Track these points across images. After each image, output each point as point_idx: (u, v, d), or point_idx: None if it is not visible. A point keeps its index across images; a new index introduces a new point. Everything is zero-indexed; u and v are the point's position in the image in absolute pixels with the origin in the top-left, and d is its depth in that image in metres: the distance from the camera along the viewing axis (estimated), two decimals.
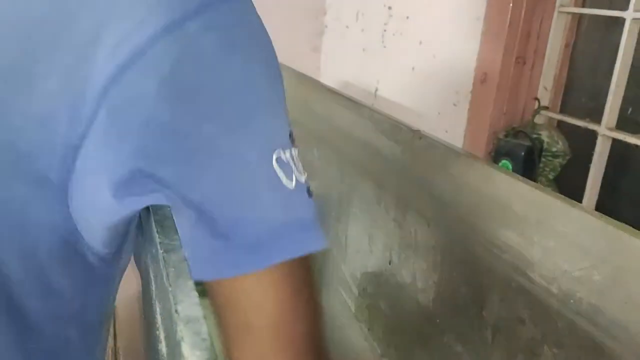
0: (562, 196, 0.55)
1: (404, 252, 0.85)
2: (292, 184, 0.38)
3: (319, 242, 0.38)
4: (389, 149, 0.86)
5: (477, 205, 0.67)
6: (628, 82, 0.92)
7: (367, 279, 0.98)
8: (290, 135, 0.39)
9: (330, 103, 1.11)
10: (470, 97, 1.17)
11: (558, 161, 1.02)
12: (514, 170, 1.02)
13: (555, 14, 1.01)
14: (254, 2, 0.39)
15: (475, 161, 0.68)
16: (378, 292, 0.94)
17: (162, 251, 0.37)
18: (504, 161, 1.03)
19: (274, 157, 0.37)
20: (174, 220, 0.42)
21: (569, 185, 1.03)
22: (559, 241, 0.55)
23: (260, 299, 0.37)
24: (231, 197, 0.36)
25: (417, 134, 0.78)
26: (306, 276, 0.39)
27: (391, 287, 0.89)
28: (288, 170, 0.38)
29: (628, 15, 0.87)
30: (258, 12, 0.39)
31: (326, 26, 1.83)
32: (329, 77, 1.82)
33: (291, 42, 1.79)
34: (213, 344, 0.27)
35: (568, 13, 1.01)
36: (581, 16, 1.02)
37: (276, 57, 0.39)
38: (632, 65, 0.91)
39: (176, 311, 0.30)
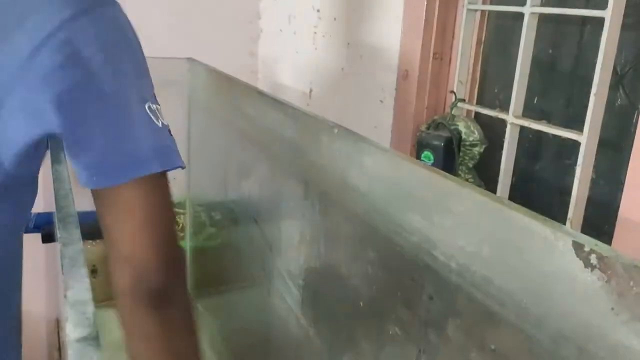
0: (455, 177, 0.59)
1: (330, 243, 0.88)
2: (159, 124, 0.57)
3: (178, 162, 0.59)
4: (312, 146, 0.90)
5: (388, 191, 0.71)
6: (533, 73, 0.98)
7: (302, 273, 1.01)
8: (154, 95, 0.59)
9: (260, 105, 1.14)
10: (394, 94, 1.22)
11: (476, 150, 1.08)
12: (435, 160, 1.07)
13: (465, 11, 1.07)
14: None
15: (385, 152, 0.72)
16: (313, 284, 0.97)
17: (60, 244, 0.39)
18: (426, 152, 1.08)
19: (146, 105, 0.56)
20: (76, 216, 0.44)
21: (488, 172, 1.09)
22: (454, 220, 0.59)
23: (135, 199, 0.55)
24: (116, 127, 0.55)
25: (334, 129, 0.82)
26: (168, 187, 0.59)
27: (324, 278, 0.93)
28: (155, 115, 0.57)
29: (526, 10, 0.93)
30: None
31: (261, 30, 1.85)
32: (266, 80, 1.85)
33: (228, 47, 1.81)
34: (95, 322, 0.30)
35: (475, 10, 1.07)
36: (489, 13, 1.08)
37: (139, 42, 0.59)
38: (535, 57, 0.97)
39: (65, 296, 0.32)
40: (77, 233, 0.41)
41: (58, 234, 0.41)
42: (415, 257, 0.66)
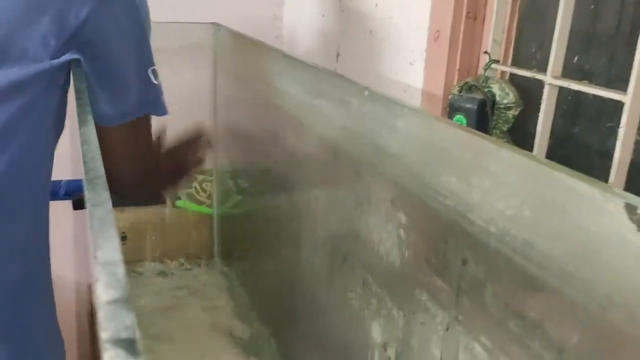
0: (492, 137, 0.57)
1: (361, 208, 0.86)
2: (157, 82, 0.73)
3: (165, 111, 0.75)
4: (341, 109, 0.87)
5: (422, 153, 0.69)
6: (573, 30, 0.93)
7: (332, 239, 1.00)
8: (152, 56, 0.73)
9: (287, 68, 1.11)
10: (425, 56, 1.18)
11: (511, 113, 1.04)
12: (468, 124, 1.04)
13: None
14: None
15: (418, 113, 0.69)
16: (343, 250, 0.96)
17: (90, 205, 0.38)
18: (458, 116, 1.04)
19: (150, 68, 0.72)
20: (104, 177, 0.43)
21: (523, 137, 1.05)
22: (493, 182, 0.57)
23: (130, 135, 0.74)
24: (124, 81, 0.71)
25: (364, 91, 0.79)
26: (150, 127, 0.78)
27: (354, 244, 0.91)
28: (155, 76, 0.73)
29: None
30: None
31: None
32: (291, 45, 1.81)
33: (253, 12, 1.78)
34: (127, 284, 0.28)
35: None
36: None
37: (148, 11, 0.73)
38: (576, 12, 0.92)
39: (95, 257, 0.31)
40: (105, 194, 0.40)
41: (87, 195, 0.40)
42: (451, 221, 0.64)
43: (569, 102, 0.99)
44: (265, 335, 1.35)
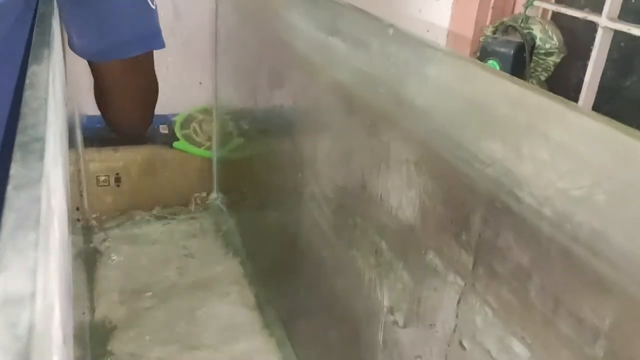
0: (558, 97, 0.44)
1: (377, 166, 0.75)
2: (153, 6, 0.64)
3: (161, 44, 0.66)
4: (359, 50, 0.74)
5: (456, 111, 0.56)
6: None
7: (338, 195, 0.89)
8: None
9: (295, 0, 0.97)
10: None
11: (552, 60, 0.90)
12: (502, 70, 0.90)
13: None
14: None
15: (452, 57, 0.57)
16: (350, 209, 0.85)
17: (10, 185, 0.27)
18: (490, 61, 0.91)
19: None
20: (42, 147, 0.31)
21: (563, 87, 0.92)
22: (554, 153, 0.45)
23: (129, 72, 0.66)
24: (120, 14, 0.62)
25: (388, 29, 0.66)
26: (152, 61, 0.69)
27: (365, 204, 0.80)
28: None
29: None
30: None
31: None
32: None
33: None
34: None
35: None
36: None
37: None
38: None
39: None
40: (38, 171, 0.28)
41: (11, 169, 0.28)
42: (491, 196, 0.52)
43: (621, 50, 0.86)
44: (265, 295, 1.27)
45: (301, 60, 0.97)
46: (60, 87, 0.56)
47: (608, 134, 0.40)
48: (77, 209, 1.55)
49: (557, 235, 0.46)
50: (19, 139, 0.31)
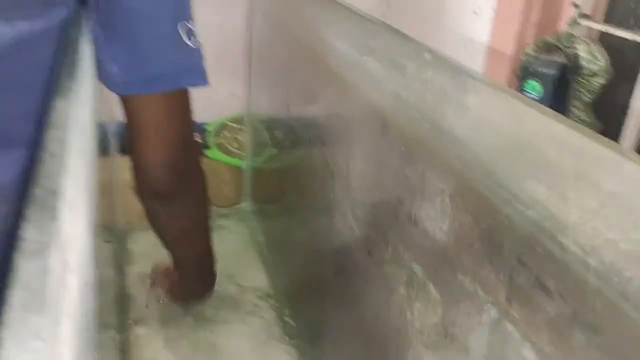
0: (612, 142, 0.41)
1: (410, 192, 0.72)
2: (191, 43, 0.60)
3: (205, 81, 0.63)
4: (394, 72, 0.72)
5: (498, 145, 0.53)
6: None
7: (372, 217, 0.87)
8: (191, 14, 0.60)
9: (329, 15, 0.95)
10: (494, 4, 1.00)
11: (597, 81, 0.86)
12: (544, 93, 0.87)
13: None
14: None
15: (494, 89, 0.53)
16: (384, 230, 0.82)
17: (20, 252, 0.25)
18: (531, 82, 0.87)
19: (179, 23, 0.58)
20: (55, 202, 0.30)
21: (608, 111, 0.88)
22: (603, 201, 0.41)
23: (161, 111, 0.62)
24: (149, 44, 0.58)
25: (425, 53, 0.63)
26: (189, 102, 0.65)
27: (398, 226, 0.77)
28: (190, 34, 0.60)
29: None
30: None
31: None
32: None
33: None
34: None
35: None
36: None
37: None
38: None
39: None
40: (48, 234, 0.26)
41: (22, 228, 0.27)
42: (531, 239, 0.49)
43: None
44: (289, 310, 1.25)
45: (334, 77, 0.95)
46: (90, 112, 0.55)
47: None
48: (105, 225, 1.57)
49: (603, 289, 0.42)
50: (34, 191, 0.30)
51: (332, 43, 0.93)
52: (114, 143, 1.51)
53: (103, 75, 0.61)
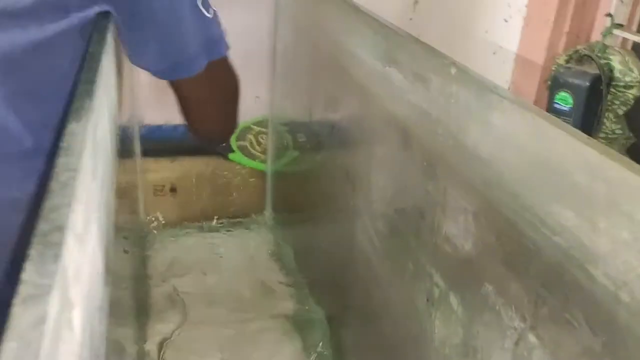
0: None
1: (432, 209, 0.70)
2: (209, 14, 0.62)
3: (223, 50, 0.66)
4: (417, 85, 0.70)
5: (525, 168, 0.51)
6: None
7: (393, 229, 0.85)
8: None
9: (352, 22, 0.93)
10: (525, 12, 0.97)
11: (632, 93, 0.83)
12: (575, 104, 0.84)
13: None
14: None
15: (521, 108, 0.51)
16: (405, 243, 0.80)
17: (19, 295, 0.25)
18: (562, 93, 0.84)
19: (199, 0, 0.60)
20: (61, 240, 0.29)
21: None
22: (637, 233, 0.39)
23: (201, 81, 0.64)
24: (177, 32, 0.60)
25: (451, 68, 0.61)
26: (226, 63, 0.68)
27: (419, 239, 0.75)
28: (207, 5, 0.61)
29: None
30: None
31: None
32: None
33: None
34: None
35: None
36: None
37: None
38: None
39: None
40: (51, 276, 0.26)
41: (23, 269, 0.26)
42: (558, 267, 0.47)
43: None
44: (318, 316, 1.24)
45: (356, 86, 0.93)
46: (108, 125, 0.55)
47: None
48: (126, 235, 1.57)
49: (635, 325, 0.40)
50: (40, 225, 0.29)
51: (354, 52, 0.91)
52: (137, 146, 1.52)
53: (136, 63, 0.63)
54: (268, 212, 1.66)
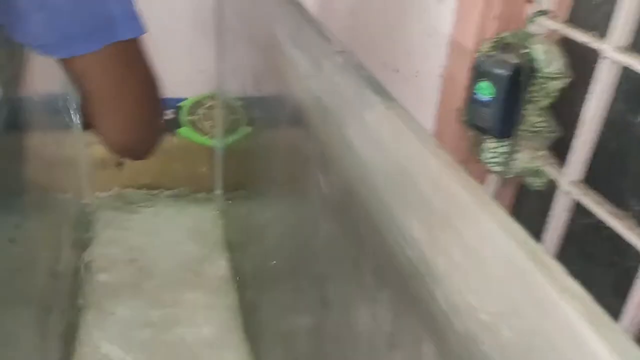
0: (477, 185, 0.35)
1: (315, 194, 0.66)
2: None
3: (141, 30, 0.51)
4: (314, 71, 0.65)
5: (389, 171, 0.47)
6: None
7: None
8: None
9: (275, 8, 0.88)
10: None
11: (554, 85, 0.79)
12: (496, 94, 0.80)
13: None
14: None
15: (390, 108, 0.47)
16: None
17: None
18: (483, 83, 0.80)
19: None
20: None
21: (569, 116, 0.80)
22: (465, 253, 0.36)
23: (102, 69, 0.51)
24: None
25: (337, 55, 0.57)
26: (138, 53, 0.53)
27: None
28: None
29: None
30: None
31: None
32: None
33: None
34: None
35: None
36: None
37: None
38: None
39: None
40: None
41: None
42: (413, 282, 0.43)
43: (635, 81, 0.74)
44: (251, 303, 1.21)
45: (282, 67, 0.88)
46: None
47: (514, 234, 0.31)
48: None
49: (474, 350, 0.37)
50: None
51: (275, 32, 0.86)
52: (79, 118, 1.46)
53: (15, 35, 0.50)
54: (218, 191, 1.62)
